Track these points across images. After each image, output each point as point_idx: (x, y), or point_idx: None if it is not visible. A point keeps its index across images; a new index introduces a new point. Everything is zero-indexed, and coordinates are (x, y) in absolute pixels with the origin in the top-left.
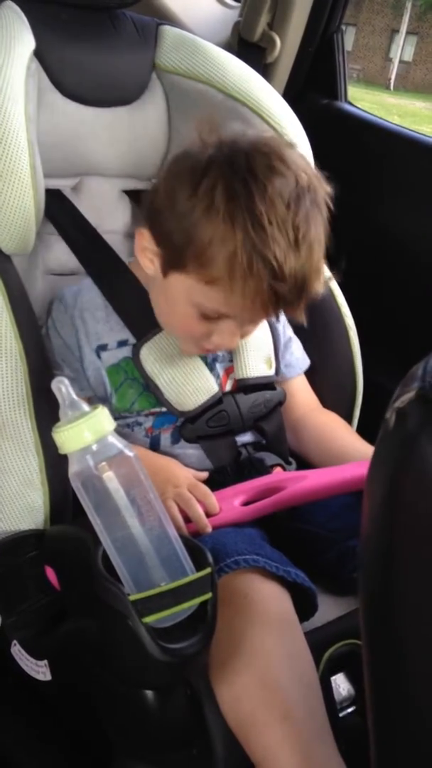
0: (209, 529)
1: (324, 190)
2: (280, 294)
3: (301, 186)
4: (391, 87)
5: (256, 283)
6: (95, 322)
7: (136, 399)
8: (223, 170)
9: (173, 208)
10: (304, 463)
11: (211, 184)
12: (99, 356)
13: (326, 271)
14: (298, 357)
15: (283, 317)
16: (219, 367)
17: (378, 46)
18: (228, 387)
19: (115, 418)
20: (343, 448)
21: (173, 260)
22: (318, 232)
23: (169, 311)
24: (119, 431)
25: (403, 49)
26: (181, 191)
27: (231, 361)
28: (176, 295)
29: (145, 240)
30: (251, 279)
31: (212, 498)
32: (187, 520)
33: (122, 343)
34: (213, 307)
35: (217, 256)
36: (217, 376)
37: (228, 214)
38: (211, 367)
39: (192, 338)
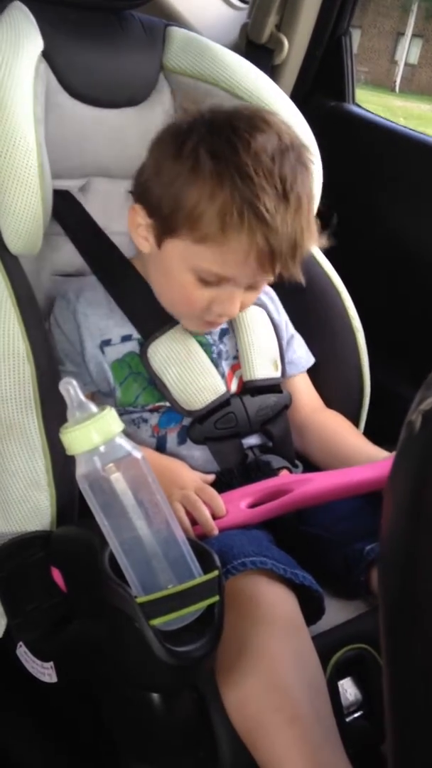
0: (216, 532)
1: (308, 152)
2: (274, 248)
3: (284, 142)
4: (397, 89)
5: (249, 236)
6: (98, 318)
7: (140, 393)
8: (204, 132)
9: (160, 175)
10: (311, 466)
11: (194, 146)
12: (102, 351)
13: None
14: (300, 355)
15: (284, 315)
16: (224, 365)
17: (383, 49)
18: (234, 386)
19: (120, 414)
20: (348, 451)
21: (165, 227)
22: (305, 186)
23: (168, 285)
24: (125, 431)
25: (408, 51)
26: (166, 158)
27: (236, 358)
28: (173, 264)
29: (137, 215)
30: (244, 231)
31: (219, 500)
32: (194, 522)
33: (126, 338)
34: (209, 268)
35: (207, 212)
36: (222, 375)
37: (214, 170)
38: (217, 364)
39: (194, 312)
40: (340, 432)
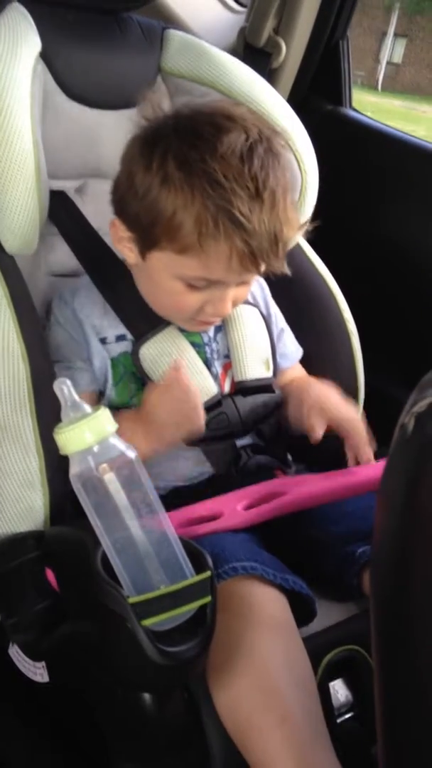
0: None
1: (278, 138)
2: (255, 248)
3: (251, 137)
4: (379, 87)
5: (227, 242)
6: (94, 318)
7: (134, 393)
8: (170, 140)
9: (134, 189)
10: (305, 468)
11: (162, 157)
12: (104, 347)
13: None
14: (291, 349)
15: (274, 308)
16: (217, 365)
17: (368, 48)
18: (227, 386)
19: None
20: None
21: (146, 240)
22: (278, 178)
23: (158, 293)
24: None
25: (393, 51)
26: (137, 171)
27: (227, 357)
28: (159, 274)
29: (118, 229)
30: (221, 239)
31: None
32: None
33: (120, 338)
34: (195, 275)
35: (184, 224)
36: (215, 376)
37: (184, 180)
38: (210, 365)
39: (187, 315)
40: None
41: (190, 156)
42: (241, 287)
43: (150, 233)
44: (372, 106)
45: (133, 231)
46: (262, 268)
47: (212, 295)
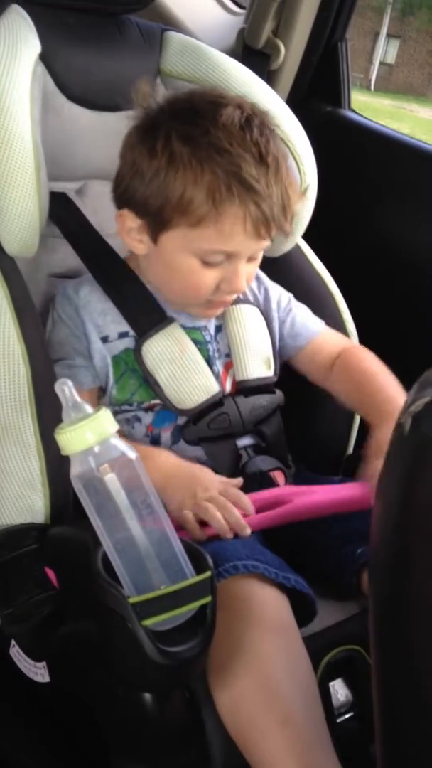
0: (248, 531)
1: (269, 117)
2: (266, 212)
3: (245, 112)
4: (372, 87)
5: (241, 206)
6: (96, 315)
7: (135, 390)
8: (170, 122)
9: (141, 176)
10: (305, 468)
11: (165, 138)
12: (104, 345)
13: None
14: (303, 323)
15: (276, 293)
16: (218, 364)
17: (362, 49)
18: (228, 385)
19: (115, 413)
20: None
21: (158, 223)
22: (278, 147)
23: (173, 275)
24: (119, 430)
25: (386, 51)
26: (142, 158)
27: (228, 356)
28: (174, 255)
29: (127, 220)
30: (235, 202)
31: (246, 499)
32: (204, 524)
33: (123, 335)
34: (212, 247)
35: (196, 196)
36: (217, 375)
37: (191, 155)
38: (211, 363)
39: (203, 296)
40: (363, 375)
41: (193, 131)
42: (250, 263)
43: (162, 214)
44: (361, 105)
45: (143, 217)
46: (273, 233)
47: (227, 270)
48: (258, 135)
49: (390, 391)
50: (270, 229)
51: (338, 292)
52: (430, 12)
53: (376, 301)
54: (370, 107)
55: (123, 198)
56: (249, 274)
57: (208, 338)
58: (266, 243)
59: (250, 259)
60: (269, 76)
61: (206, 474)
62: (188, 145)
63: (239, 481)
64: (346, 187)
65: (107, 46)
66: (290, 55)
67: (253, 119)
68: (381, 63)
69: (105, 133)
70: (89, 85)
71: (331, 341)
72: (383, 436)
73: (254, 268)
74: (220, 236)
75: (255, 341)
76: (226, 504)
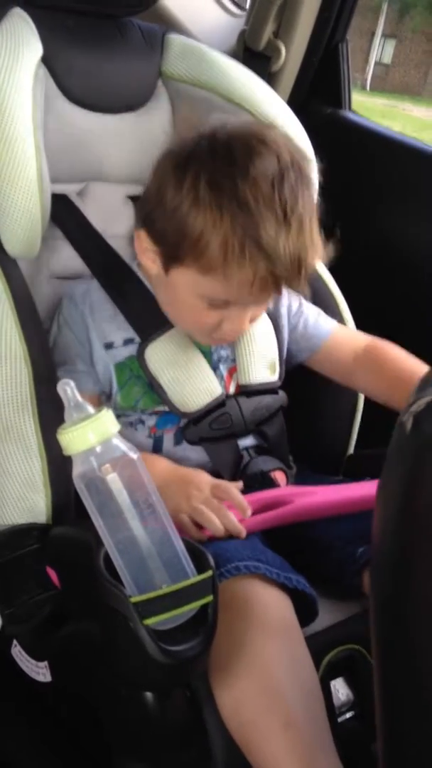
0: (244, 534)
1: (308, 165)
2: (278, 274)
3: (283, 163)
4: (368, 87)
5: (252, 268)
6: (102, 321)
7: (140, 397)
8: (204, 161)
9: (163, 206)
10: (306, 467)
11: (194, 177)
12: (107, 353)
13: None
14: (316, 324)
15: (285, 298)
16: (222, 368)
17: (359, 48)
18: (232, 388)
19: (118, 416)
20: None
21: (171, 256)
22: (307, 204)
23: (177, 306)
24: (122, 431)
25: (383, 51)
26: (168, 188)
27: (234, 360)
28: (181, 290)
29: (143, 241)
30: (246, 264)
31: (240, 497)
32: (201, 526)
33: (128, 341)
34: (217, 296)
35: (210, 245)
36: (221, 378)
37: (214, 202)
38: (215, 367)
39: (204, 330)
40: (389, 364)
41: (222, 179)
42: (260, 306)
43: (176, 250)
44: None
45: (158, 245)
46: (283, 290)
47: (231, 312)
48: (288, 193)
49: None
50: (280, 287)
51: (339, 293)
52: (425, 12)
53: (376, 302)
54: (363, 106)
55: (144, 219)
56: (256, 315)
57: (213, 347)
58: (277, 295)
59: (258, 304)
60: (270, 78)
61: (199, 475)
62: (214, 191)
63: (239, 484)
64: (347, 188)
65: (109, 48)
66: (291, 56)
67: (289, 172)
68: (377, 63)
69: (106, 135)
70: (91, 88)
71: (347, 337)
72: None
73: (262, 310)
74: (228, 289)
75: (261, 347)
76: (221, 507)
